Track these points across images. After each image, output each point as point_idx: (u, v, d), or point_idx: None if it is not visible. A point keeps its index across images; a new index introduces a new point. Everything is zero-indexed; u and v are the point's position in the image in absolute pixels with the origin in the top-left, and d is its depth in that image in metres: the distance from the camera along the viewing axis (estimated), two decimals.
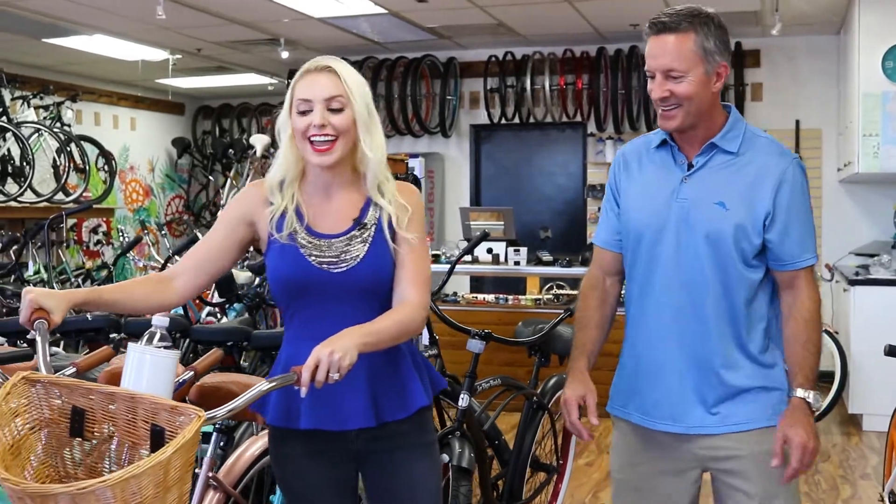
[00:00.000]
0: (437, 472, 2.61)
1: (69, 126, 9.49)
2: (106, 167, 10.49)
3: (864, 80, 6.93)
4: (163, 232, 9.73)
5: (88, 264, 9.77)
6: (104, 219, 10.58)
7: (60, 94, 9.63)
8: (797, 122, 8.75)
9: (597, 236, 2.74)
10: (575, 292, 7.86)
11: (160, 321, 2.18)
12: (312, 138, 2.37)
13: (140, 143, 11.57)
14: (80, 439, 2.16)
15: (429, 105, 9.42)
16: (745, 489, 2.47)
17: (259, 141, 11.36)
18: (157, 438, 2.07)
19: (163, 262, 6.86)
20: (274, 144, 11.11)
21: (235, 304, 5.96)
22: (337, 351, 2.14)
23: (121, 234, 9.10)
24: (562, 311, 4.46)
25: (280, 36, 8.80)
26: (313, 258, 2.42)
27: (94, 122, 10.81)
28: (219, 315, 6.19)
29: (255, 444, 3.19)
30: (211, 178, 12.04)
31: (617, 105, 8.99)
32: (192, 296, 2.58)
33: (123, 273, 11.00)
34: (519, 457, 4.25)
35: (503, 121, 9.34)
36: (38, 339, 2.25)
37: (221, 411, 2.10)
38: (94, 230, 10.42)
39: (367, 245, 2.44)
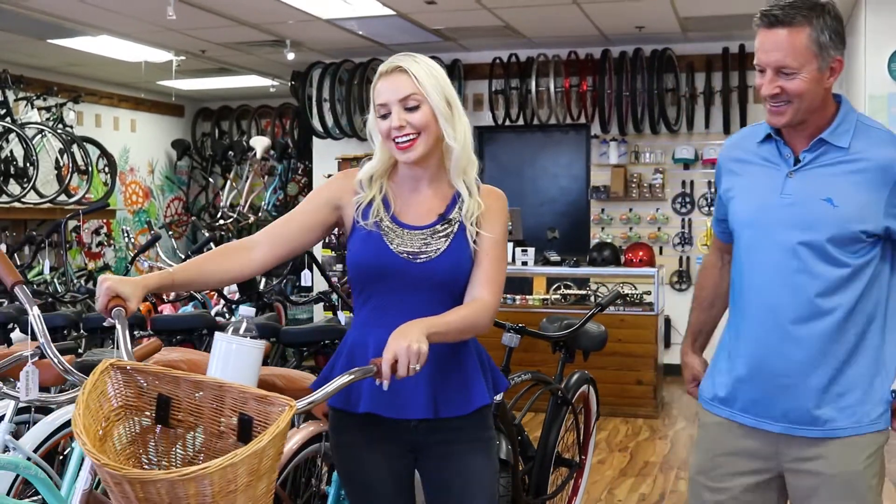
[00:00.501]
0: (494, 468, 2.63)
1: (71, 127, 9.49)
2: (107, 169, 10.48)
3: (871, 82, 7.01)
4: (170, 233, 9.71)
5: (90, 265, 9.76)
6: (105, 220, 10.56)
7: (63, 96, 9.63)
8: None
9: (713, 223, 2.77)
10: (582, 292, 7.95)
11: (246, 311, 2.22)
12: (396, 139, 2.43)
13: (140, 144, 11.58)
14: (163, 427, 2.19)
15: None
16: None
17: (259, 143, 11.42)
18: (246, 428, 2.11)
19: (183, 260, 6.84)
20: (274, 146, 11.18)
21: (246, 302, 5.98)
22: (413, 342, 2.18)
23: (126, 235, 9.09)
24: (585, 309, 4.51)
25: (286, 37, 8.82)
26: (395, 246, 2.47)
27: (94, 123, 10.80)
28: (227, 314, 6.21)
29: (294, 437, 3.22)
30: (210, 179, 12.04)
31: (621, 107, 9.05)
32: (270, 266, 2.59)
33: (129, 274, 10.99)
34: (545, 451, 4.29)
35: (507, 122, 9.39)
36: (119, 326, 2.28)
37: (305, 401, 2.12)
38: (97, 231, 10.41)
39: (449, 240, 2.49)
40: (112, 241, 10.73)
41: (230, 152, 11.71)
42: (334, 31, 8.58)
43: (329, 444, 2.71)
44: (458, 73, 9.55)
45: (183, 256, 8.64)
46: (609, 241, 9.17)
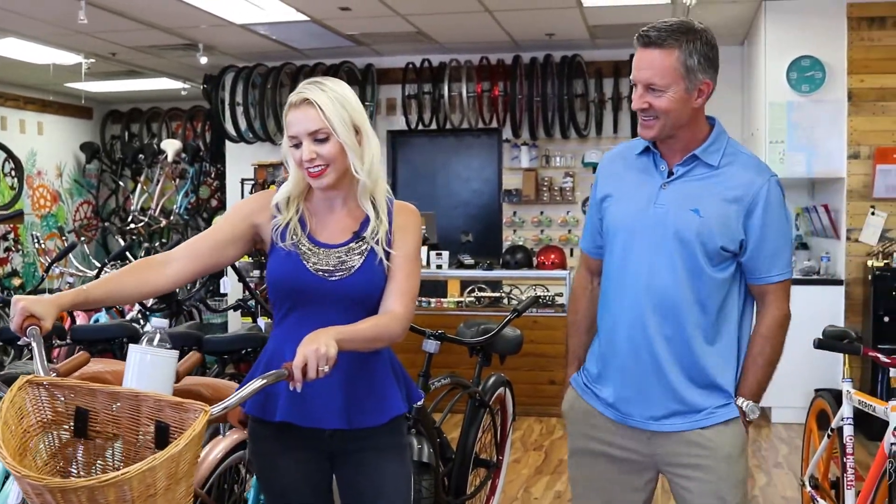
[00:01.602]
0: (408, 475, 2.71)
1: None
2: (14, 172, 10.29)
3: (771, 90, 7.27)
4: (82, 238, 9.57)
5: None
6: (12, 225, 10.36)
7: None
8: None
9: (582, 241, 2.86)
10: (496, 294, 8.07)
11: (159, 323, 2.26)
12: (307, 168, 2.50)
13: (48, 147, 11.38)
14: (83, 439, 2.22)
15: None
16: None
17: (170, 146, 11.32)
18: (162, 435, 2.15)
19: (98, 268, 6.78)
20: (185, 149, 11.09)
21: (157, 312, 5.97)
22: (321, 346, 2.25)
23: (36, 241, 8.93)
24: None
25: (198, 41, 8.77)
26: (311, 264, 2.53)
27: (0, 126, 10.57)
28: (142, 321, 6.19)
29: (219, 445, 3.27)
30: (120, 183, 11.89)
31: (532, 112, 9.21)
32: (184, 282, 2.64)
33: (36, 279, 10.79)
34: (464, 453, 4.39)
35: (420, 127, 9.48)
36: (35, 344, 2.31)
37: (219, 407, 2.17)
38: (4, 237, 10.20)
39: (363, 257, 2.56)
40: (20, 247, 10.53)
41: (141, 155, 11.58)
42: (247, 35, 8.57)
43: (248, 451, 2.76)
44: (371, 77, 9.61)
45: (95, 261, 8.52)
46: (521, 243, 9.34)
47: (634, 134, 9.07)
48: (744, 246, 2.54)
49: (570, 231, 9.66)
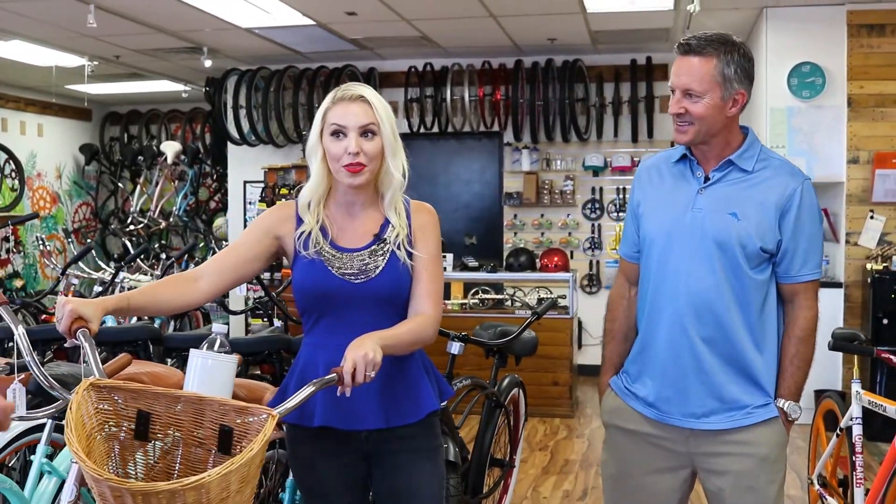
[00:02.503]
0: (441, 476, 2.78)
1: None
2: (14, 174, 10.32)
3: (772, 96, 7.38)
4: (88, 240, 9.60)
5: None
6: (12, 227, 10.38)
7: None
8: None
9: (621, 248, 2.95)
10: (500, 297, 8.16)
11: (220, 328, 2.33)
12: (347, 162, 2.57)
13: (47, 149, 11.40)
14: (141, 441, 2.29)
15: None
16: None
17: (170, 148, 11.37)
18: (226, 438, 2.23)
19: (115, 270, 6.83)
20: (185, 151, 11.12)
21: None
22: (369, 351, 2.34)
23: (41, 242, 8.97)
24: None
25: (203, 45, 8.83)
26: (336, 269, 2.61)
27: (1, 128, 10.60)
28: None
29: None
30: (119, 184, 11.91)
31: (534, 115, 9.29)
32: (214, 297, 2.72)
33: (36, 281, 10.85)
34: (481, 452, 4.47)
35: (422, 130, 9.55)
36: (87, 346, 2.37)
37: (283, 408, 2.24)
38: (6, 238, 10.23)
39: (386, 259, 2.64)
40: (21, 248, 10.56)
41: (140, 157, 11.63)
42: (252, 38, 8.63)
43: (284, 454, 2.83)
44: (374, 81, 9.67)
45: (101, 264, 8.57)
46: (522, 245, 9.44)
47: (635, 138, 9.22)
48: (779, 246, 2.64)
49: (570, 234, 9.75)
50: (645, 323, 2.78)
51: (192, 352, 2.32)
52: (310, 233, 2.65)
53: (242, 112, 9.67)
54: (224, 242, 10.73)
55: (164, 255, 9.36)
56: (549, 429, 7.40)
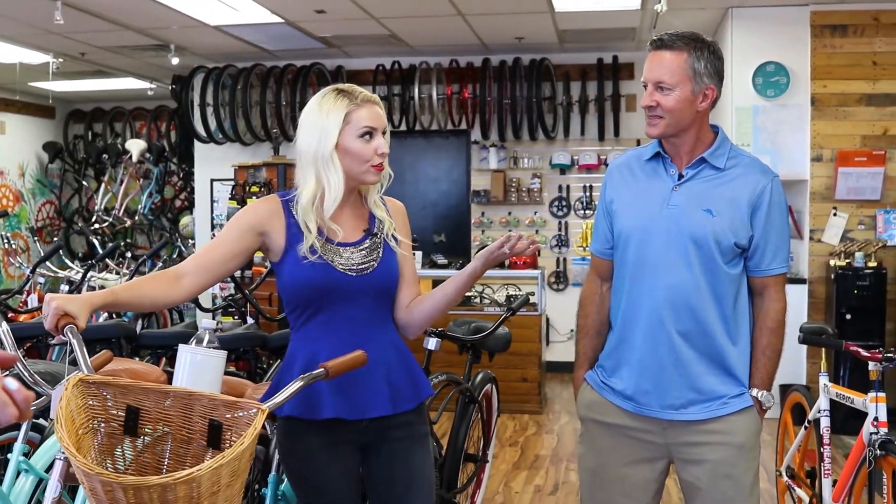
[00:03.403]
0: (432, 462, 2.85)
1: None
2: None
3: (737, 95, 7.49)
4: (55, 238, 9.51)
5: None
6: None
7: None
8: None
9: (592, 245, 3.01)
10: (468, 294, 8.19)
11: (209, 324, 2.35)
12: (376, 162, 2.64)
13: (10, 147, 11.29)
14: (130, 437, 2.30)
15: None
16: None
17: (135, 146, 11.30)
18: (216, 433, 2.25)
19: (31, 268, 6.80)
20: (150, 149, 11.03)
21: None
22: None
23: (6, 241, 8.88)
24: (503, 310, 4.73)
25: (170, 42, 8.79)
26: (336, 265, 2.65)
27: None
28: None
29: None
30: (84, 183, 11.81)
31: (501, 114, 9.34)
32: (198, 293, 2.73)
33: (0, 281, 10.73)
34: (455, 447, 4.51)
35: (390, 128, 9.53)
36: (75, 342, 2.37)
37: (272, 402, 2.27)
38: None
39: (380, 252, 2.70)
40: None
41: (104, 155, 11.54)
42: (220, 36, 8.60)
43: (261, 449, 2.85)
44: (342, 79, 9.67)
45: (67, 262, 8.51)
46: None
47: (602, 137, 9.30)
48: (751, 241, 2.72)
49: (537, 231, 9.82)
50: (621, 318, 2.83)
51: (181, 347, 2.34)
52: (300, 229, 2.67)
53: (209, 110, 9.63)
54: (190, 241, 10.68)
55: (129, 254, 9.31)
56: (519, 425, 7.46)
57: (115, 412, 2.30)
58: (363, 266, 2.67)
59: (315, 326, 2.68)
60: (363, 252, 2.68)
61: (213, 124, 9.68)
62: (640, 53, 9.23)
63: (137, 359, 4.80)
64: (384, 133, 2.67)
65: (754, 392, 2.76)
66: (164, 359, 4.53)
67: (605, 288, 2.95)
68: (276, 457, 3.14)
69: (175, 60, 9.07)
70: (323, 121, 2.62)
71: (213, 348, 2.34)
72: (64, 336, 2.38)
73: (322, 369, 2.37)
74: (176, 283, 2.63)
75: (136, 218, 11.32)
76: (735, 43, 7.50)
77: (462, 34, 8.65)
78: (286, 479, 3.18)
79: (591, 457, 2.93)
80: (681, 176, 2.76)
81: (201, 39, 8.75)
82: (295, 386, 2.34)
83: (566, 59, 9.52)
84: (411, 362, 2.77)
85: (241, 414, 2.23)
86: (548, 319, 9.22)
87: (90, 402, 2.28)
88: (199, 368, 2.32)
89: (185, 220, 11.04)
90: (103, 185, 11.49)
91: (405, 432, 2.73)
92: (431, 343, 4.08)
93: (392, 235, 2.74)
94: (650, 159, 2.82)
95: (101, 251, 9.27)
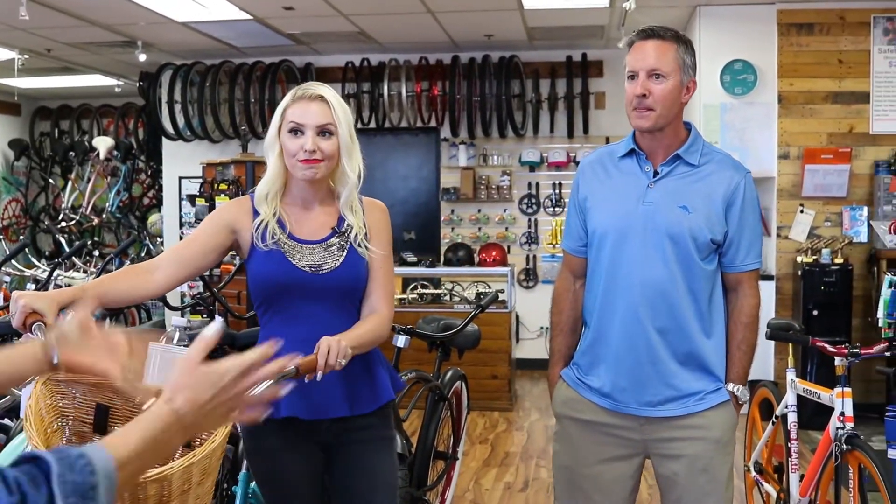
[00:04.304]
0: (395, 466, 2.86)
1: None
2: None
3: (705, 93, 7.53)
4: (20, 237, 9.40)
5: None
6: None
7: None
8: None
9: (564, 243, 3.00)
10: (437, 291, 8.20)
11: (179, 322, 2.34)
12: (303, 158, 2.62)
13: None
14: (100, 435, 2.29)
15: None
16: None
17: (102, 143, 11.19)
18: None
19: (52, 266, 6.72)
20: (117, 146, 10.95)
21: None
22: (343, 340, 2.44)
23: None
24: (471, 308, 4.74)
25: (138, 38, 8.71)
26: (297, 261, 2.65)
27: None
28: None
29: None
30: (50, 181, 11.69)
31: (471, 111, 9.36)
32: (170, 289, 2.73)
33: None
34: (425, 445, 4.51)
35: (359, 125, 9.54)
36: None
37: None
38: None
39: (345, 252, 2.70)
40: None
41: (71, 152, 11.42)
42: (187, 33, 8.55)
43: (229, 447, 2.85)
44: (311, 76, 9.65)
45: (34, 260, 8.42)
46: (459, 240, 9.50)
47: (571, 134, 9.32)
48: (726, 237, 2.74)
49: (507, 229, 9.83)
50: (597, 315, 2.84)
51: (152, 345, 2.31)
52: (267, 224, 2.68)
53: (178, 107, 9.56)
54: (159, 239, 10.61)
55: (97, 253, 9.23)
56: (489, 422, 7.47)
57: (84, 410, 2.29)
58: (324, 264, 2.67)
59: (279, 323, 2.69)
60: (326, 250, 2.68)
61: (181, 121, 9.62)
62: (608, 51, 9.28)
63: None
64: (325, 133, 2.63)
65: (731, 387, 2.78)
66: None
67: (579, 285, 2.95)
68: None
69: (142, 57, 9.00)
70: (276, 113, 2.69)
71: (184, 346, 2.32)
72: (32, 334, 2.35)
73: (291, 367, 2.37)
74: (148, 276, 2.63)
75: (104, 216, 11.22)
76: (703, 41, 7.55)
77: (431, 31, 8.65)
78: None
79: (566, 454, 2.93)
80: (656, 172, 2.77)
81: (169, 36, 8.69)
82: (264, 384, 2.33)
83: (535, 56, 9.54)
84: (376, 365, 2.76)
85: None
86: (518, 317, 9.23)
87: (59, 401, 2.27)
88: (169, 366, 2.29)
89: (153, 217, 10.96)
90: (70, 183, 11.37)
91: (366, 435, 2.74)
92: (400, 341, 4.07)
93: (363, 241, 2.72)
94: (624, 156, 2.81)
95: (68, 250, 9.18)
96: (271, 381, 2.33)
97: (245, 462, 3.17)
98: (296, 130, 2.63)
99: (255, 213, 2.71)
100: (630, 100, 2.70)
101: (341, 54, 9.62)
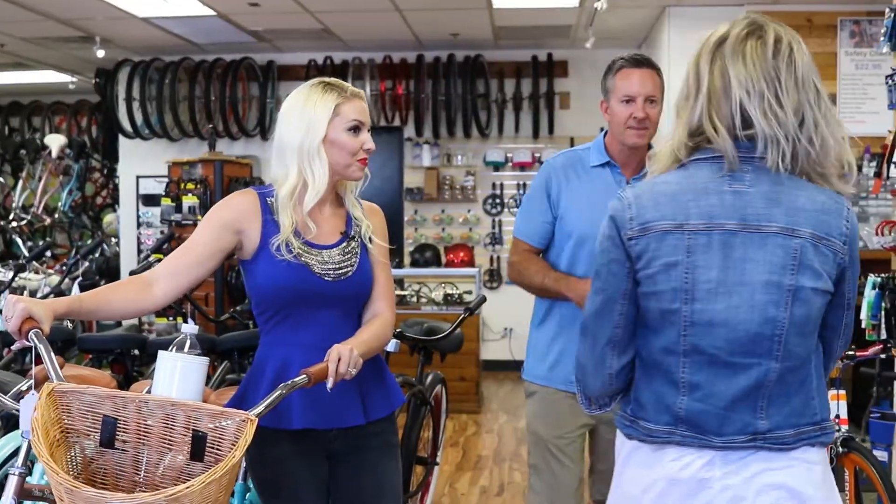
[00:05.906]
0: (400, 471, 2.79)
1: None
2: None
3: (673, 95, 7.49)
4: None
5: None
6: None
7: None
8: (602, 130, 9.32)
9: (523, 234, 3.17)
10: (404, 293, 8.12)
11: (191, 329, 2.23)
12: (362, 156, 2.58)
13: None
14: (108, 449, 2.17)
15: (245, 108, 9.36)
16: None
17: (55, 141, 10.94)
18: (199, 444, 2.12)
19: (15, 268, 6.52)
20: (70, 145, 10.68)
21: None
22: (354, 349, 2.36)
23: None
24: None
25: (95, 34, 8.50)
26: (314, 268, 2.55)
27: None
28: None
29: None
30: (0, 179, 11.39)
31: (435, 110, 9.28)
32: (171, 300, 2.62)
33: None
34: (408, 450, 4.43)
35: None
36: (42, 348, 2.23)
37: (257, 410, 2.17)
38: None
39: (357, 256, 2.62)
40: None
41: (22, 150, 11.15)
42: (146, 28, 8.36)
43: (247, 459, 2.75)
44: (273, 74, 9.51)
45: None
46: (423, 241, 9.43)
47: (536, 134, 9.30)
48: None
49: (471, 229, 9.77)
50: (560, 314, 3.08)
51: (162, 353, 2.21)
52: (279, 227, 2.57)
53: (136, 104, 9.35)
54: (114, 239, 10.38)
55: (49, 254, 8.99)
56: (458, 425, 7.41)
57: (88, 423, 2.17)
58: (340, 270, 2.59)
59: (287, 330, 2.60)
60: (337, 256, 2.60)
61: (139, 119, 9.41)
62: (574, 51, 9.26)
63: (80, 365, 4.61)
64: (369, 130, 2.60)
65: None
66: (107, 364, 4.35)
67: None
68: (243, 465, 3.02)
69: (101, 53, 8.77)
70: (310, 113, 2.53)
71: (196, 354, 2.21)
72: (28, 341, 2.24)
73: (304, 376, 2.30)
74: (147, 290, 2.51)
75: (56, 216, 10.95)
76: (672, 41, 7.54)
77: (397, 29, 8.56)
78: (252, 488, 3.07)
79: (543, 421, 3.18)
80: (628, 183, 2.99)
81: (128, 32, 8.48)
82: (277, 393, 2.25)
83: (501, 56, 9.49)
84: (384, 369, 2.73)
85: (226, 423, 2.12)
86: (482, 318, 9.18)
87: (63, 414, 2.15)
88: (181, 375, 2.19)
89: (108, 217, 10.72)
90: (21, 182, 11.08)
91: (376, 441, 2.68)
92: (390, 345, 3.99)
93: (371, 235, 2.67)
94: (598, 167, 3.07)
95: (23, 250, 8.96)
96: (282, 392, 2.25)
97: (241, 472, 3.07)
98: (357, 128, 2.56)
99: (265, 212, 2.58)
100: (624, 120, 2.98)
101: (304, 52, 9.49)
